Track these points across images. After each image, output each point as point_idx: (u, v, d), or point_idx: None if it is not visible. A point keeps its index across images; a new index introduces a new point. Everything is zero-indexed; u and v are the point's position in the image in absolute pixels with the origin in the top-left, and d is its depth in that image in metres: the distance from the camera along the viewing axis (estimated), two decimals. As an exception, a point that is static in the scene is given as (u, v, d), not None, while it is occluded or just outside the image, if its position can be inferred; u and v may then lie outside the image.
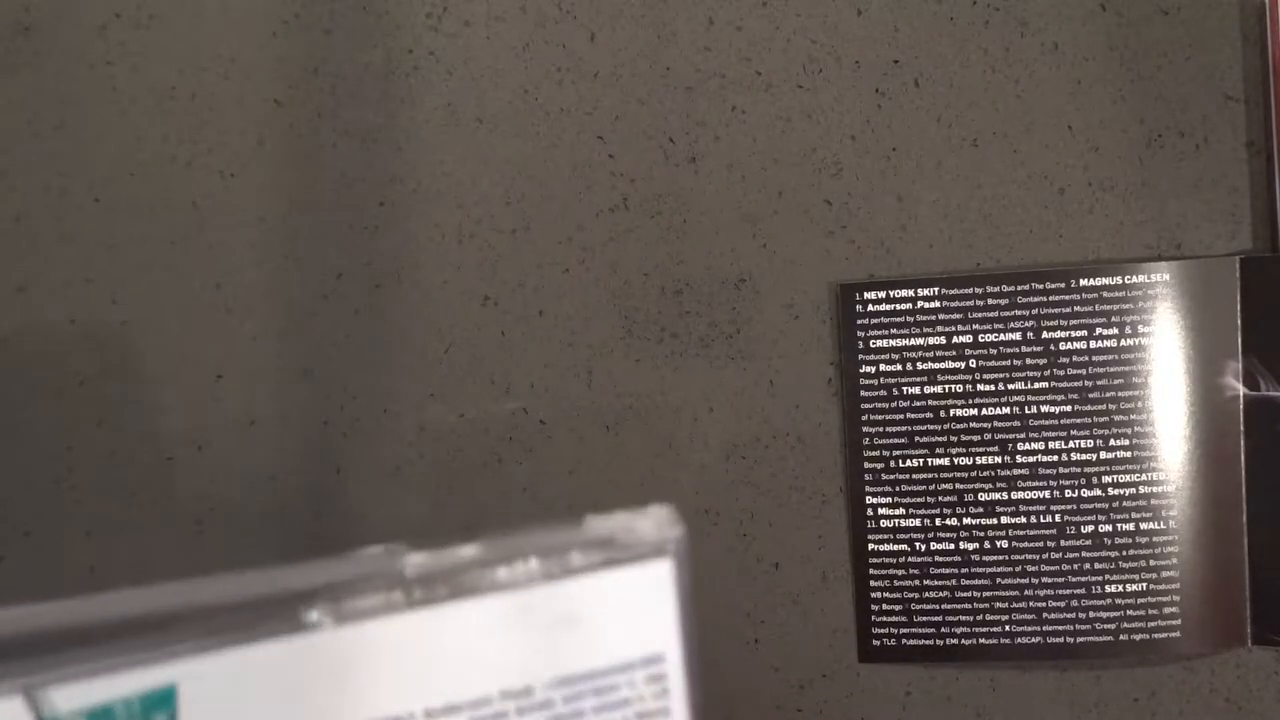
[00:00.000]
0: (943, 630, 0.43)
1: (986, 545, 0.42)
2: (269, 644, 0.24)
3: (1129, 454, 0.42)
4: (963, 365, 0.42)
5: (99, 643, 0.23)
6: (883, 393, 0.43)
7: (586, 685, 0.26)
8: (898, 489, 0.43)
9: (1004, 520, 0.42)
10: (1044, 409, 0.42)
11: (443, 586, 0.25)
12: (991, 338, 0.42)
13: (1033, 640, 0.42)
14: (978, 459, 0.42)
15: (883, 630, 0.43)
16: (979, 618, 0.42)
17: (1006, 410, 0.42)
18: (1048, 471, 0.42)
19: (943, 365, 0.42)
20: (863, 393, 0.43)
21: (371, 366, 0.44)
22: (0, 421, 0.43)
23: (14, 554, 0.43)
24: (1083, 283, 0.42)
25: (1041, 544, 0.42)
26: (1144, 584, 0.42)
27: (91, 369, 0.43)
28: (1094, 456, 0.42)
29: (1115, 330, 0.42)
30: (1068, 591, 0.42)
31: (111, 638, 0.23)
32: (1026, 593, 0.42)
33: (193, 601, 0.24)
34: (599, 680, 0.26)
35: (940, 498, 0.43)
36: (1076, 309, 0.42)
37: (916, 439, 0.43)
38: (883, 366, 0.43)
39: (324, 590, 0.25)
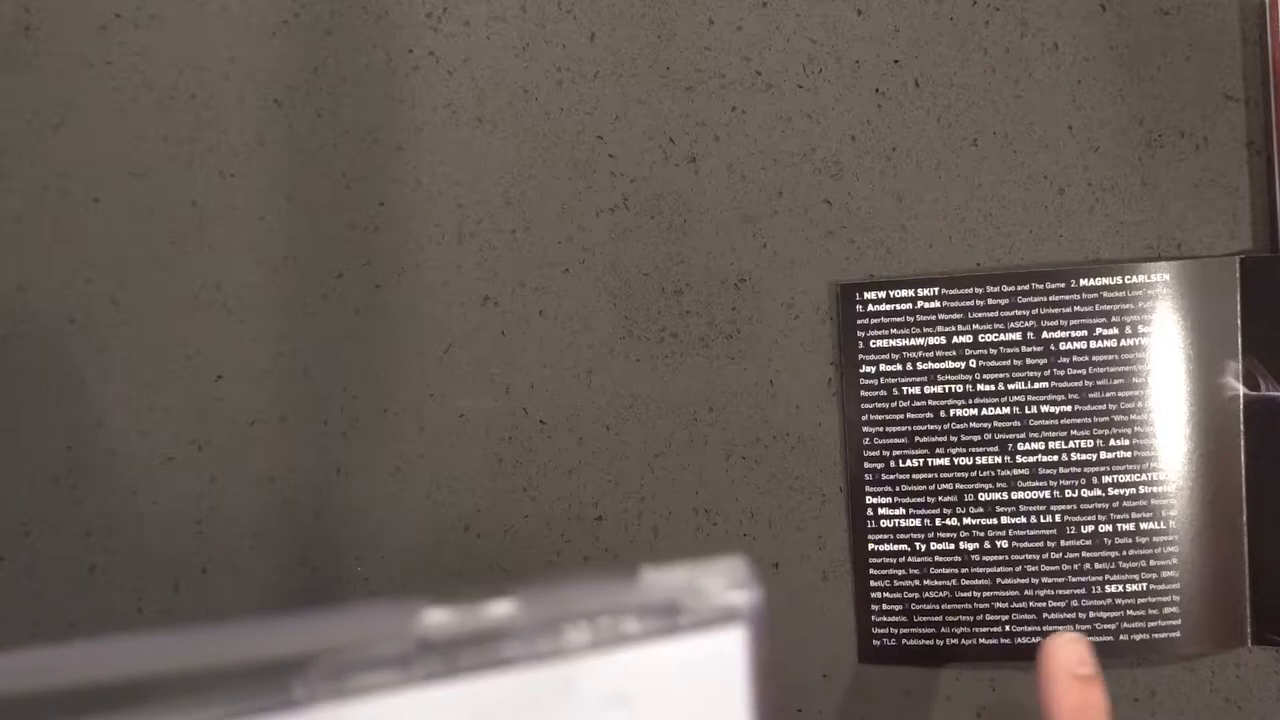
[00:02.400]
0: (943, 630, 0.43)
1: (986, 545, 0.42)
2: None
3: (1129, 454, 0.42)
4: (963, 365, 0.42)
5: (47, 716, 0.19)
6: (883, 393, 0.43)
7: None
8: (898, 489, 0.43)
9: (1004, 520, 0.42)
10: (1044, 409, 0.42)
11: (467, 655, 0.20)
12: (991, 338, 0.42)
13: (1033, 640, 0.42)
14: (978, 459, 0.42)
15: (883, 630, 0.43)
16: (979, 618, 0.42)
17: (1006, 410, 0.42)
18: (1048, 471, 0.42)
19: (943, 365, 0.42)
20: (863, 393, 0.43)
21: (371, 366, 0.44)
22: (0, 422, 0.43)
23: (14, 554, 0.43)
24: (1083, 283, 0.42)
25: (1041, 544, 0.42)
26: (1144, 584, 0.42)
27: (91, 369, 0.43)
28: (1094, 456, 0.42)
29: (1115, 330, 0.41)
30: (1068, 591, 0.42)
31: (65, 712, 0.19)
32: (1026, 593, 0.42)
33: (162, 666, 0.19)
34: None
35: (940, 498, 0.43)
36: (1076, 309, 0.42)
37: (916, 439, 0.43)
38: (883, 366, 0.43)
39: (321, 656, 0.20)
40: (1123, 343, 0.41)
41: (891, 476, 0.43)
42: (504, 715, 0.21)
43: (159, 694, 0.19)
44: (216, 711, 0.19)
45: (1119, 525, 0.42)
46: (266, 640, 0.20)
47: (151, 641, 0.19)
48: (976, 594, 0.42)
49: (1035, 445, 0.42)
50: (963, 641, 0.43)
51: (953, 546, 0.43)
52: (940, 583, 0.43)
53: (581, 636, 0.21)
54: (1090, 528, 0.42)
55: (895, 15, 0.43)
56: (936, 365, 0.42)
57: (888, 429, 0.43)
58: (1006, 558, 0.42)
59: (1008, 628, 0.42)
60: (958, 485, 0.42)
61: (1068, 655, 0.37)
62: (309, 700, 0.20)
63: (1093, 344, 0.42)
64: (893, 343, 0.43)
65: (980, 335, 0.42)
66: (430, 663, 0.20)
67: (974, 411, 0.42)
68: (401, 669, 0.20)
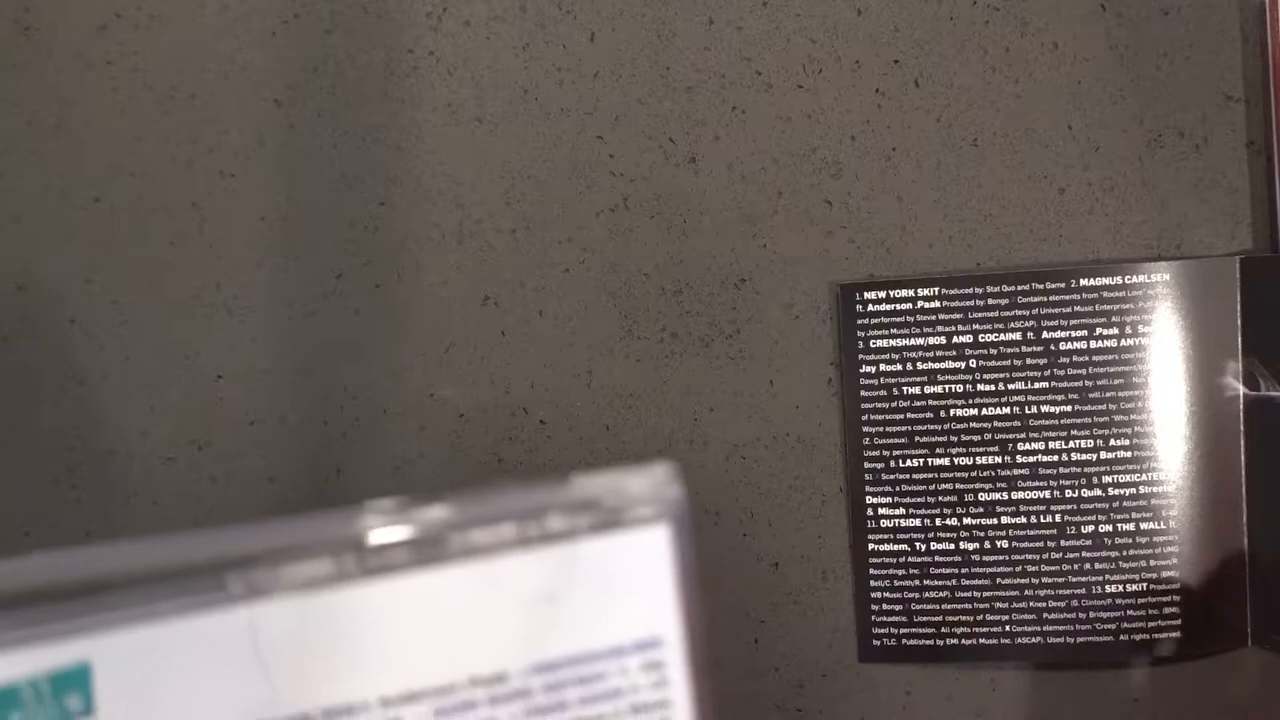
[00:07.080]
0: (943, 630, 0.43)
1: (986, 545, 0.42)
2: (196, 617, 0.21)
3: (1129, 454, 0.42)
4: (963, 365, 0.42)
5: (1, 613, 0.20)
6: (883, 393, 0.43)
7: (570, 672, 0.22)
8: (898, 489, 0.43)
9: (1004, 520, 0.42)
10: (1044, 409, 0.42)
11: (402, 552, 0.21)
12: (991, 338, 0.42)
13: (1033, 640, 0.42)
14: (978, 459, 0.42)
15: (883, 630, 0.43)
16: (979, 618, 0.42)
17: (1006, 410, 0.42)
18: (1048, 471, 0.42)
19: (943, 365, 0.42)
20: (863, 393, 0.43)
21: (371, 366, 0.44)
22: (0, 422, 0.43)
23: (14, 554, 0.43)
24: (1083, 283, 0.42)
25: (1041, 544, 0.42)
26: (1144, 584, 0.42)
27: (91, 369, 0.43)
28: (1094, 456, 0.42)
29: (1115, 330, 0.42)
30: (1068, 591, 0.42)
31: (15, 607, 0.20)
32: (1026, 593, 0.42)
33: (113, 568, 0.20)
34: (585, 666, 0.22)
35: (940, 498, 0.43)
36: (1076, 309, 0.42)
37: (916, 439, 0.43)
38: (883, 366, 0.43)
39: (263, 556, 0.21)
40: (1123, 343, 0.42)
41: (891, 476, 0.43)
42: (437, 612, 0.22)
43: (105, 594, 0.20)
44: (149, 608, 0.20)
45: (1119, 525, 0.42)
46: (210, 544, 0.21)
47: (99, 549, 0.21)
48: (976, 594, 0.42)
49: (1035, 445, 0.42)
50: (963, 641, 0.43)
51: (953, 546, 0.43)
52: (940, 583, 0.43)
53: (511, 536, 0.22)
54: (1090, 528, 0.42)
55: (895, 15, 0.43)
56: (936, 365, 0.42)
57: (888, 429, 0.43)
58: (1006, 558, 0.42)
59: (1008, 628, 0.42)
60: (958, 485, 0.42)
61: None
62: (244, 595, 0.21)
63: (1093, 344, 0.42)
64: (893, 343, 0.43)
65: (980, 335, 0.42)
66: (366, 561, 0.21)
67: (974, 411, 0.42)
68: (338, 567, 0.21)
